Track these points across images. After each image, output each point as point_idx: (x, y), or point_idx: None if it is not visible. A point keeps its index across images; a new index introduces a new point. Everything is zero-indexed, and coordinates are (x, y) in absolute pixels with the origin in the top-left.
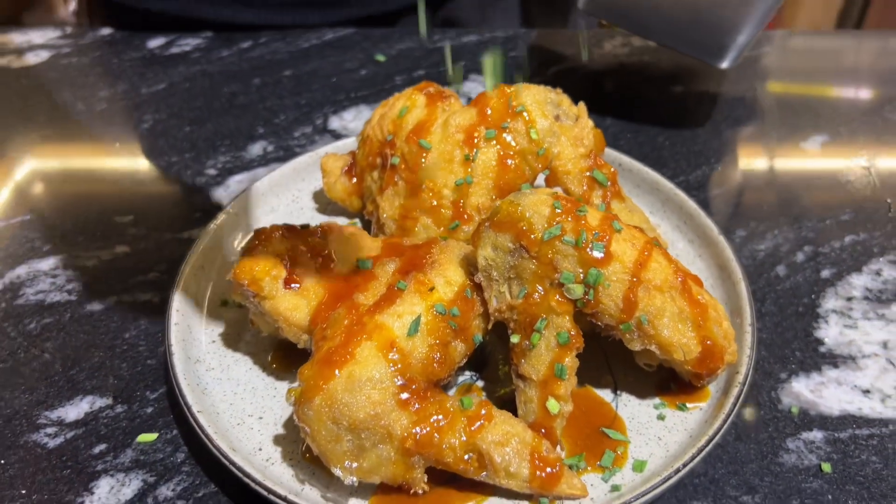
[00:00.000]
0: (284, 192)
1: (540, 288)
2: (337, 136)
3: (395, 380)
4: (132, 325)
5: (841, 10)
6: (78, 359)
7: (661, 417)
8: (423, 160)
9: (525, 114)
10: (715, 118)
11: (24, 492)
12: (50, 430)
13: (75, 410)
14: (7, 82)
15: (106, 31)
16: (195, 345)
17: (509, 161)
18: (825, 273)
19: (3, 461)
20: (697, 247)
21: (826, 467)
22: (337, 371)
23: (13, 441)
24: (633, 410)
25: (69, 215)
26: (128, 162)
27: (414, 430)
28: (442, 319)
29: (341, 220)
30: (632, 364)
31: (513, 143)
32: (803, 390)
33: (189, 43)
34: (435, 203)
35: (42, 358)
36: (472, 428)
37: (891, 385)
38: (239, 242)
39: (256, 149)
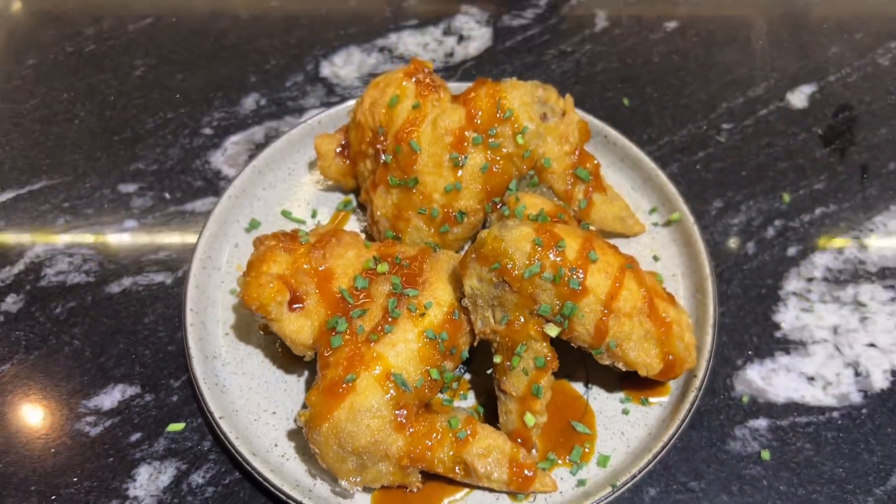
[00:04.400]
0: (281, 167)
1: (521, 317)
2: (328, 84)
3: (391, 408)
4: (149, 309)
5: None
6: (105, 346)
7: (625, 412)
8: (414, 164)
9: (512, 118)
10: (705, 63)
11: (75, 479)
12: (90, 419)
13: (109, 399)
14: None
15: None
16: (210, 340)
17: (496, 167)
18: (791, 251)
19: (52, 450)
20: (672, 231)
21: (765, 455)
22: (340, 402)
23: (61, 430)
24: (602, 404)
25: (74, 184)
26: (126, 121)
27: (409, 450)
28: (432, 345)
29: (337, 196)
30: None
31: (500, 148)
32: (756, 378)
33: None
34: (426, 207)
35: (72, 345)
36: (459, 442)
37: (834, 372)
38: (242, 226)
39: (249, 102)
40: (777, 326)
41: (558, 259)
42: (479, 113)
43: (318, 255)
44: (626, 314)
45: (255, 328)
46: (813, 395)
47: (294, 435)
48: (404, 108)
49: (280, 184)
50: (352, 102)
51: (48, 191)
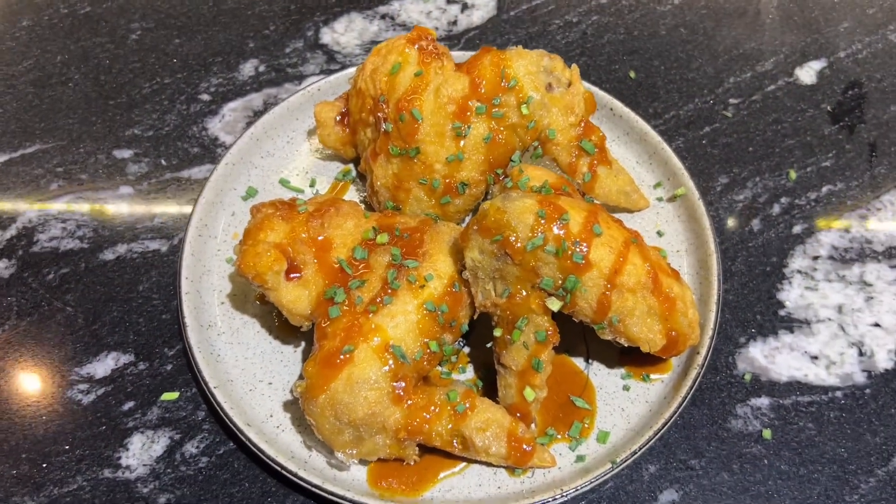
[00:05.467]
0: (279, 134)
1: (522, 290)
2: (328, 52)
3: (389, 380)
4: (144, 276)
5: None
6: (98, 313)
7: (626, 388)
8: (415, 132)
9: (517, 87)
10: (713, 36)
11: (66, 447)
12: (82, 387)
13: (102, 367)
14: None
15: None
16: (206, 309)
17: (499, 137)
18: (797, 228)
19: (44, 417)
20: (677, 206)
21: (767, 433)
22: (337, 373)
23: (52, 398)
24: (602, 380)
25: (68, 148)
26: (122, 86)
27: (406, 422)
28: (432, 317)
29: (336, 165)
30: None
31: (504, 118)
32: (758, 356)
33: None
34: (427, 177)
35: (65, 311)
36: (457, 415)
37: (837, 351)
38: (239, 193)
39: (248, 68)
40: (781, 304)
41: (562, 232)
42: (483, 82)
43: (317, 224)
44: (630, 289)
45: (251, 297)
46: (816, 375)
47: (290, 406)
48: (406, 75)
49: (278, 152)
50: (352, 70)
51: (42, 155)
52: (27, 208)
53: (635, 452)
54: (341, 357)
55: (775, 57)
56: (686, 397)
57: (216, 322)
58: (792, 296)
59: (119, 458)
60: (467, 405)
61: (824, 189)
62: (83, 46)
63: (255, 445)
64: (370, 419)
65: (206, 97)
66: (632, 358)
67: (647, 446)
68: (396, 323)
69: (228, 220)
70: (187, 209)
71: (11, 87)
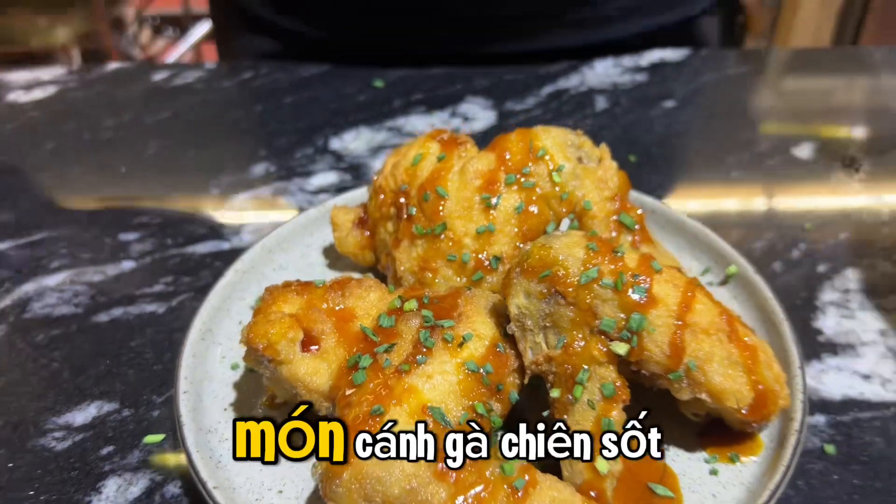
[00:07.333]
0: (293, 248)
1: (580, 336)
2: (338, 156)
3: None
4: (138, 334)
5: (836, 27)
6: (85, 367)
7: (713, 472)
8: (440, 208)
9: (546, 157)
10: (706, 129)
11: (31, 493)
12: (58, 434)
13: (82, 415)
14: (14, 115)
15: (112, 65)
16: (206, 413)
17: (532, 207)
18: (821, 268)
19: (10, 464)
20: (731, 288)
21: (829, 449)
22: None
23: (20, 445)
24: (683, 466)
25: (75, 235)
26: (133, 184)
27: (453, 503)
28: (475, 378)
29: (354, 276)
30: (675, 414)
31: (535, 188)
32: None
33: (192, 75)
34: (456, 254)
35: (50, 367)
36: (516, 496)
37: (890, 370)
38: (248, 303)
39: (259, 169)
40: (819, 332)
41: (618, 264)
42: (510, 155)
43: (336, 295)
44: (704, 330)
45: (259, 402)
46: (873, 392)
47: None
48: (429, 162)
49: (291, 265)
50: (366, 189)
51: (48, 241)
52: (25, 282)
53: None
54: (372, 420)
55: (769, 142)
56: (790, 466)
57: (217, 428)
58: (829, 323)
59: (90, 501)
60: (526, 479)
61: (842, 236)
62: (100, 159)
63: None
64: (409, 497)
65: (216, 190)
66: (713, 438)
67: None
68: (434, 384)
69: (235, 328)
70: (189, 278)
71: (26, 189)
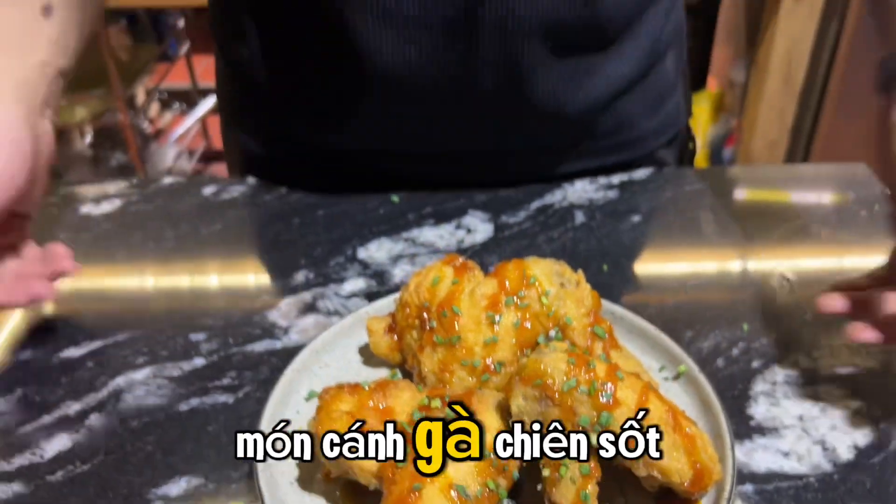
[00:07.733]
0: (335, 350)
1: None
2: (364, 264)
3: None
4: (213, 421)
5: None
6: (174, 448)
7: None
8: (455, 324)
9: (536, 283)
10: (665, 245)
11: None
12: (159, 503)
13: (176, 487)
14: (90, 226)
15: (166, 180)
16: (278, 488)
17: (527, 323)
18: (755, 364)
19: None
20: (682, 383)
21: None
22: None
23: None
24: None
25: (152, 336)
26: (198, 292)
27: None
28: (486, 461)
29: (384, 371)
30: (639, 487)
31: (529, 308)
32: (739, 455)
33: (237, 189)
34: (468, 359)
35: (145, 449)
36: None
37: (805, 448)
38: (301, 395)
39: (300, 276)
40: (752, 417)
41: (590, 375)
42: (509, 282)
43: (379, 395)
44: (655, 423)
45: (318, 477)
46: (790, 466)
47: None
48: (445, 285)
49: (334, 363)
50: (393, 296)
51: (130, 341)
52: (117, 376)
53: None
54: (412, 494)
55: (718, 262)
56: None
57: (287, 500)
58: (759, 410)
59: None
60: None
61: (774, 335)
62: (167, 268)
63: None
64: None
65: (265, 297)
66: (667, 502)
67: None
68: (457, 467)
69: (293, 416)
70: (250, 372)
71: (102, 298)
